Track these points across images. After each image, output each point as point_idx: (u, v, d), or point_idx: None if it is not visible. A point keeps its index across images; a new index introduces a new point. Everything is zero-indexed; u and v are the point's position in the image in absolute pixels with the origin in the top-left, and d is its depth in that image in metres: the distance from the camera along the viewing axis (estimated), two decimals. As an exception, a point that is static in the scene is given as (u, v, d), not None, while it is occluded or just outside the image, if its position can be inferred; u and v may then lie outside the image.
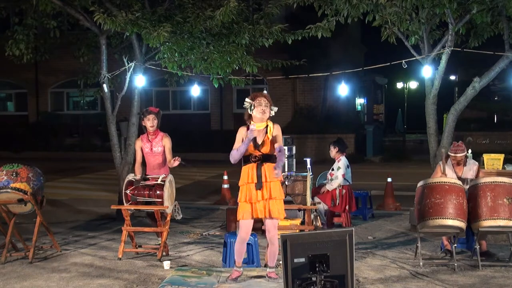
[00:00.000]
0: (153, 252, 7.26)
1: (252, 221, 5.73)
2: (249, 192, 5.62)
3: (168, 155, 7.32)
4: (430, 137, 8.66)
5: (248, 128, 5.63)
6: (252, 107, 5.63)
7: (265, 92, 5.88)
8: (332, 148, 8.81)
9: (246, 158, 5.65)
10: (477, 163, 7.24)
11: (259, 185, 5.59)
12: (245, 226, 5.70)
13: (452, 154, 7.01)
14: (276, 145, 5.62)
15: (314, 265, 4.24)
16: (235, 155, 5.61)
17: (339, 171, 8.55)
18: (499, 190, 6.50)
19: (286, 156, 8.73)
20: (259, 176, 5.58)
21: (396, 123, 31.38)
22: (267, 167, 5.62)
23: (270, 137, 5.65)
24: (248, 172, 5.63)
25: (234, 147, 5.65)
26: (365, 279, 6.19)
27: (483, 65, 10.41)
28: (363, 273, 6.40)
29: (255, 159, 5.61)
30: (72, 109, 26.63)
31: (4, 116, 26.59)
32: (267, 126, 5.68)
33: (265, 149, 5.63)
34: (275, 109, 5.73)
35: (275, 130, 5.69)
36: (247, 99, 5.69)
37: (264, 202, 5.62)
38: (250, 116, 5.69)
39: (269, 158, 5.63)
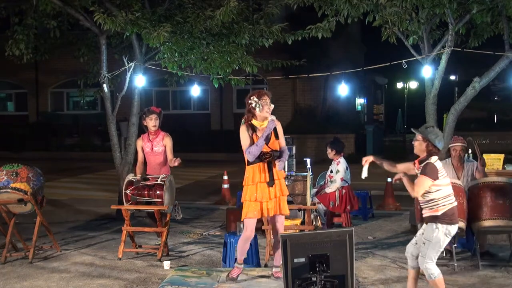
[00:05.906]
0: (153, 252, 7.26)
1: (256, 220, 5.73)
2: (260, 191, 5.59)
3: (169, 155, 7.33)
4: (430, 137, 8.63)
5: (247, 124, 5.62)
6: (260, 107, 5.60)
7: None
8: (329, 150, 8.67)
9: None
10: (475, 161, 7.23)
11: (271, 183, 5.59)
12: (250, 225, 5.70)
13: (453, 144, 7.09)
14: (281, 145, 5.68)
15: (314, 265, 4.24)
16: (254, 151, 5.51)
17: (338, 175, 8.46)
18: (499, 190, 6.50)
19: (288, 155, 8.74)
20: (271, 174, 5.59)
21: (396, 123, 31.35)
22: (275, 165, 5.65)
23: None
24: (258, 170, 5.59)
25: (245, 145, 5.56)
26: (365, 279, 6.20)
27: (483, 65, 10.38)
28: (363, 273, 6.41)
29: (267, 156, 5.57)
30: (72, 109, 26.62)
31: (4, 116, 26.58)
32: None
33: (275, 145, 5.64)
34: (273, 106, 5.76)
35: (279, 127, 5.71)
36: (254, 98, 5.61)
37: (276, 199, 5.65)
38: (250, 112, 5.64)
39: (277, 154, 5.63)
